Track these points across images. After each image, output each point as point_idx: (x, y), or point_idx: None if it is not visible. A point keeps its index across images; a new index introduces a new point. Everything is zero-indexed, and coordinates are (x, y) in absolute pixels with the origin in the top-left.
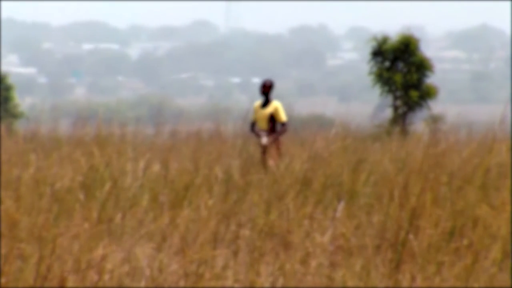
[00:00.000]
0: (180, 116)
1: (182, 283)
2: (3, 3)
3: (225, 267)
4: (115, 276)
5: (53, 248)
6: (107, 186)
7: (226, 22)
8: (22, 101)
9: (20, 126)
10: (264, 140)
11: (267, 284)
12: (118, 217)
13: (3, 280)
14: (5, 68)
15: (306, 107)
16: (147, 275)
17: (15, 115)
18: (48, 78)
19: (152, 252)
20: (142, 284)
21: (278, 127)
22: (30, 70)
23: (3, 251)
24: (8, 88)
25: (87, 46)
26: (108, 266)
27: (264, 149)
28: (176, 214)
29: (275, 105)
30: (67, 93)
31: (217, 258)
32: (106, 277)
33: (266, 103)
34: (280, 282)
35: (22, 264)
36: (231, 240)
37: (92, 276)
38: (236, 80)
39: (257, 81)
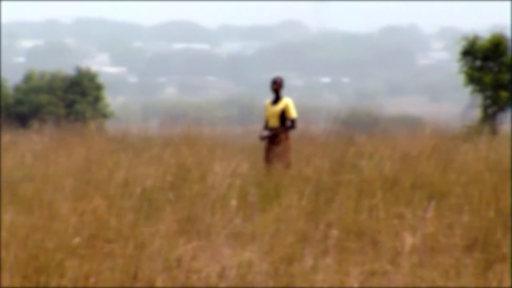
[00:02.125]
0: None
1: (271, 283)
2: (94, 3)
3: (314, 267)
4: (204, 275)
5: (142, 247)
6: (196, 185)
7: (317, 21)
8: (113, 101)
9: (110, 126)
10: (264, 132)
11: (356, 284)
12: (207, 217)
13: (92, 280)
14: (96, 67)
15: (395, 106)
16: (236, 274)
17: (105, 115)
18: (138, 78)
19: (241, 252)
20: (231, 283)
21: (287, 123)
22: (120, 70)
23: (93, 251)
24: (98, 88)
25: (177, 46)
26: (197, 265)
27: (268, 145)
28: (265, 213)
29: (286, 101)
30: (157, 93)
31: (306, 258)
32: (195, 276)
33: (276, 100)
34: (369, 281)
35: (111, 264)
36: (320, 240)
37: (181, 276)
38: (325, 79)
39: (347, 80)
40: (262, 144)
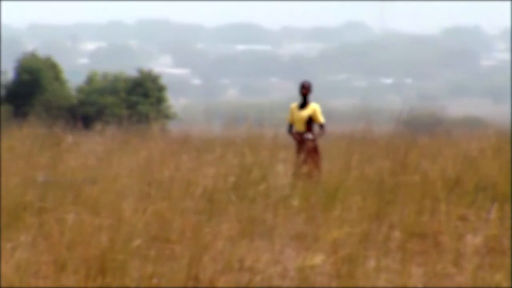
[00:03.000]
0: (332, 117)
1: (333, 284)
2: (157, 4)
3: (376, 268)
4: (266, 276)
5: (205, 248)
6: (258, 186)
7: (380, 23)
8: (175, 102)
9: (173, 127)
10: (309, 135)
11: (418, 285)
12: (269, 218)
13: (155, 280)
14: (158, 69)
15: (458, 108)
16: (298, 275)
17: (168, 116)
18: (201, 79)
19: (303, 253)
20: (293, 284)
21: (315, 129)
22: (183, 71)
23: (155, 251)
24: (161, 89)
25: (240, 47)
26: (259, 266)
27: (306, 152)
28: (328, 214)
29: (313, 107)
30: (220, 94)
31: (368, 259)
32: (257, 277)
33: (304, 105)
34: (431, 283)
35: (174, 265)
36: (382, 241)
37: (243, 276)
38: (388, 81)
39: (409, 82)
40: (329, 146)
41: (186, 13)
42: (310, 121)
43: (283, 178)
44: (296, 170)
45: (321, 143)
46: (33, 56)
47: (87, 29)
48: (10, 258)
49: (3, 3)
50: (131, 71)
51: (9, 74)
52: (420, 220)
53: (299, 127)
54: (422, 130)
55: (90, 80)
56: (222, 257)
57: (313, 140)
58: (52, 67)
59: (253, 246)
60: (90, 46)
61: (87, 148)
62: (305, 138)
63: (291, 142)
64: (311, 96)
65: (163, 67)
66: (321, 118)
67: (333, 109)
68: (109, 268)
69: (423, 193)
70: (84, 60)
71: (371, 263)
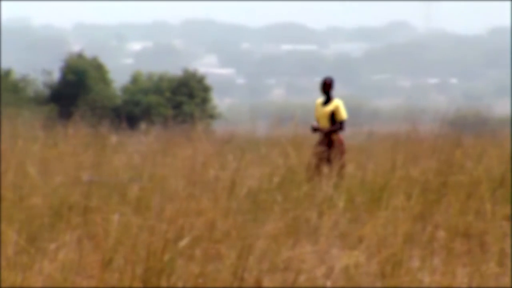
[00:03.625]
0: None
1: (378, 284)
2: (202, 4)
3: (421, 268)
4: (311, 276)
5: (250, 249)
6: (303, 186)
7: (425, 22)
8: (220, 102)
9: (218, 127)
10: (314, 123)
11: (463, 285)
12: (314, 218)
13: (200, 280)
14: (203, 69)
15: (503, 108)
16: (343, 275)
17: (213, 116)
18: (246, 79)
19: (348, 253)
20: (338, 284)
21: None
22: (228, 71)
23: (200, 252)
24: (206, 89)
25: (285, 47)
26: (304, 266)
27: (319, 148)
28: (373, 215)
29: (336, 103)
30: (265, 94)
31: (413, 259)
32: (302, 277)
33: (327, 101)
34: (476, 283)
35: (219, 265)
36: (427, 241)
37: (288, 276)
38: (433, 80)
39: (455, 81)
40: (363, 145)
41: (231, 13)
42: (334, 118)
43: (327, 178)
44: (314, 166)
45: (365, 144)
46: (79, 56)
47: (132, 29)
48: (54, 258)
49: (49, 3)
50: (176, 71)
51: (55, 74)
52: (465, 220)
53: (323, 123)
54: (467, 130)
55: (135, 80)
56: (267, 257)
57: (337, 134)
58: (98, 67)
59: (298, 246)
60: (135, 46)
61: (132, 148)
62: (313, 127)
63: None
64: (333, 93)
65: (208, 67)
66: (343, 114)
67: (378, 109)
68: (155, 268)
69: (468, 193)
70: (129, 60)
71: (416, 263)
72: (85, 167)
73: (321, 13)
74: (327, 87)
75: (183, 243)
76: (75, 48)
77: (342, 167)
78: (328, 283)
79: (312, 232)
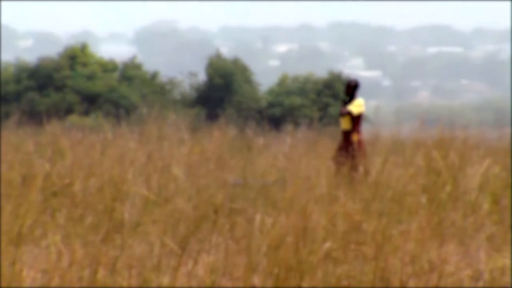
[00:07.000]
0: None
1: None
2: (348, 6)
3: None
4: (457, 279)
5: (394, 250)
6: (448, 189)
7: None
8: (367, 104)
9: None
10: (344, 109)
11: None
12: (459, 220)
13: (344, 282)
14: (349, 71)
15: None
16: (489, 278)
17: None
18: (392, 81)
19: (495, 255)
20: (480, 285)
21: (362, 128)
22: (374, 74)
23: (344, 253)
24: None
25: (431, 50)
26: (450, 269)
27: (342, 154)
28: None
29: (357, 102)
30: (411, 96)
31: None
32: (448, 280)
33: (349, 102)
34: None
35: (363, 266)
36: None
37: (433, 279)
38: None
39: None
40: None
41: (377, 15)
42: (356, 119)
43: (472, 180)
44: (338, 168)
45: None
46: (217, 56)
47: (277, 31)
48: (201, 259)
49: (195, 6)
50: (322, 74)
51: (200, 76)
52: None
53: (345, 125)
54: None
55: (281, 82)
56: (411, 259)
57: (358, 135)
58: (243, 70)
59: (443, 249)
60: (281, 48)
61: (277, 150)
62: (343, 113)
63: (482, 143)
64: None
65: (354, 69)
66: (354, 109)
67: None
68: (298, 270)
69: None
70: (274, 62)
71: None
72: (231, 169)
73: (467, 14)
74: (350, 90)
75: (328, 245)
76: (222, 50)
77: (367, 173)
78: (475, 286)
79: (457, 234)
